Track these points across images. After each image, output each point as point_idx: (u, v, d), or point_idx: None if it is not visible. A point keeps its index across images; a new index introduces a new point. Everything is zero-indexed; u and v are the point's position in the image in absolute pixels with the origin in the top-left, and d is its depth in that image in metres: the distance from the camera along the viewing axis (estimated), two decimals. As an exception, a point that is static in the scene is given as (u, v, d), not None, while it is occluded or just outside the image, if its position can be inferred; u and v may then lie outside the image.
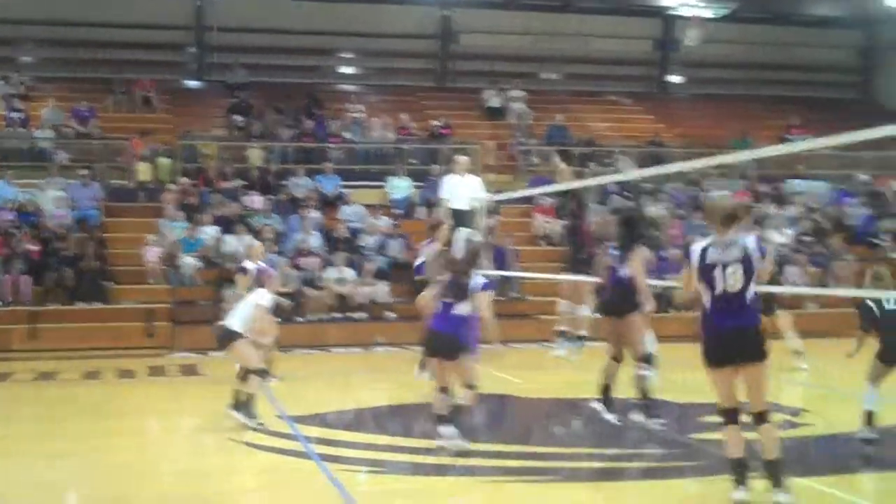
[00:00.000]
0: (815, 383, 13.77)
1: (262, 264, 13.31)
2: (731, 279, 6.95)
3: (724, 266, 6.97)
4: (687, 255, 7.20)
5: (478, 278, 9.32)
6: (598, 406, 10.56)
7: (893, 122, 7.75)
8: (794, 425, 10.48)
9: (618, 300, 10.38)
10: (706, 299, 7.06)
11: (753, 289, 7.00)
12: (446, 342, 9.05)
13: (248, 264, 13.05)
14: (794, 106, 28.54)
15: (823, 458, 9.34)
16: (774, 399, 11.76)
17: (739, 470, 7.07)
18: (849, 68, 32.24)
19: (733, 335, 7.01)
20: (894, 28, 30.19)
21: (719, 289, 6.97)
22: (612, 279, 10.41)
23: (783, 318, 14.55)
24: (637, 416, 10.23)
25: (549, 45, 29.27)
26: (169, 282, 18.51)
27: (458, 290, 9.10)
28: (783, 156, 23.99)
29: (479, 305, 9.27)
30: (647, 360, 10.40)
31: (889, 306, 9.16)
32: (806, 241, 21.85)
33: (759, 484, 7.09)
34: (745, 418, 7.14)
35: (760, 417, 7.09)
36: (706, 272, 7.02)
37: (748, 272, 6.97)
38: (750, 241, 7.11)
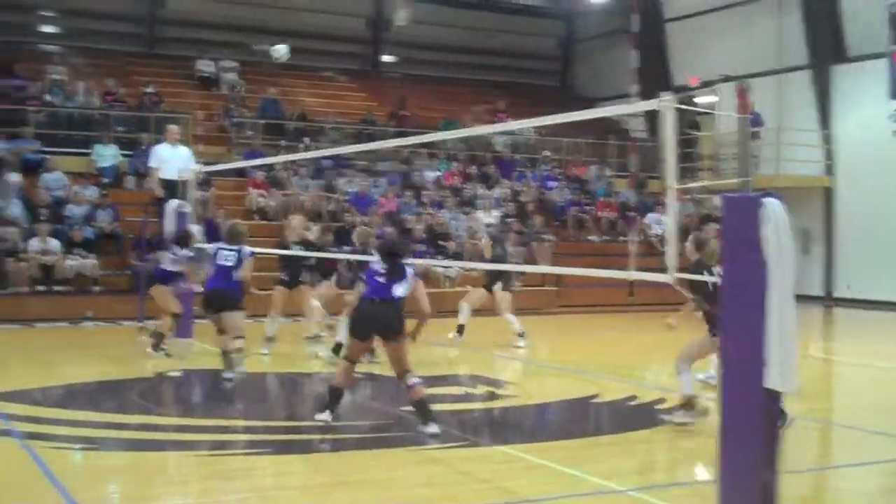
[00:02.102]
0: (518, 357, 14.51)
1: None
2: None
3: None
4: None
5: None
6: None
7: (589, 108, 8.32)
8: (498, 396, 11.06)
9: None
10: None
11: None
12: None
13: None
14: (500, 91, 29.76)
15: (526, 427, 9.94)
16: (482, 372, 12.48)
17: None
18: (550, 57, 33.94)
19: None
20: (590, 21, 32.09)
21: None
22: None
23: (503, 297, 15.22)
24: None
25: (262, 15, 29.00)
26: None
27: None
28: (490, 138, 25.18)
29: None
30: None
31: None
32: (509, 221, 22.90)
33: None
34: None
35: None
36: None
37: None
38: None
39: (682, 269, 6.80)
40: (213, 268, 11.74)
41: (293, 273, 14.29)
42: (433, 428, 8.54)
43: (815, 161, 25.21)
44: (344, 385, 8.99)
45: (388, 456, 8.15)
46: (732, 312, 6.13)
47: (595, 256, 22.00)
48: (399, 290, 8.72)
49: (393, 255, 8.91)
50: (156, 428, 8.99)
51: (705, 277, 9.02)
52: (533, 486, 7.31)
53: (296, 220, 14.90)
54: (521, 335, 14.96)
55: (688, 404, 9.32)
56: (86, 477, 7.55)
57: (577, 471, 7.63)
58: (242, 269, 11.48)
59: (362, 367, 12.55)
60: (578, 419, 10.38)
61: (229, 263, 11.51)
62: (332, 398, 8.90)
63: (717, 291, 9.12)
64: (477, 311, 15.27)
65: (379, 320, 8.72)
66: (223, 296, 11.44)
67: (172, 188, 16.16)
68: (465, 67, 31.86)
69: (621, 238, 23.89)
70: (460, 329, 15.15)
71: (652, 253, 22.08)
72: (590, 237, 24.15)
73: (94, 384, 11.68)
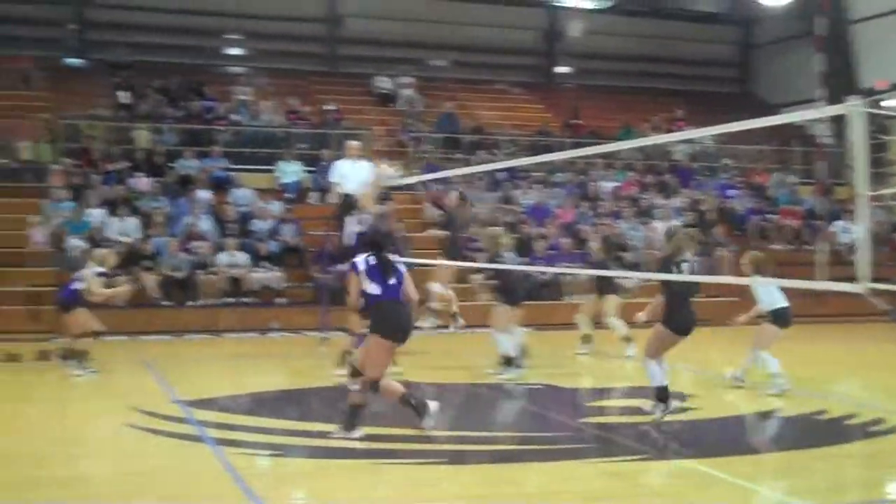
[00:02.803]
0: (702, 369, 14.19)
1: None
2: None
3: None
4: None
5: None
6: None
7: (771, 116, 8.11)
8: (680, 409, 10.81)
9: None
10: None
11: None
12: None
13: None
14: (676, 99, 29.26)
15: (709, 441, 9.70)
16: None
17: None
18: (728, 63, 33.17)
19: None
20: (771, 25, 31.20)
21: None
22: None
23: (610, 302, 14.93)
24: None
25: (438, 32, 29.42)
26: (55, 264, 18.05)
27: None
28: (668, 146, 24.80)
29: None
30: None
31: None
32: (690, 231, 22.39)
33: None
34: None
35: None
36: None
37: None
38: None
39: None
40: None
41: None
42: (339, 433, 8.80)
43: None
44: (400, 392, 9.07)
45: (566, 468, 8.08)
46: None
47: (779, 266, 21.30)
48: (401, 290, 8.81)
49: (376, 246, 8.91)
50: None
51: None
52: (714, 501, 7.11)
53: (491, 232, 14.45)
54: (627, 339, 14.52)
55: (660, 397, 9.65)
56: (274, 483, 7.78)
57: (762, 487, 7.42)
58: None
59: (540, 378, 12.54)
60: (763, 433, 10.06)
61: None
62: (420, 406, 8.97)
63: (683, 287, 9.51)
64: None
65: (408, 323, 8.83)
66: None
67: (352, 202, 16.49)
68: (641, 76, 31.47)
69: (806, 247, 23.10)
70: (586, 338, 15.06)
71: (839, 262, 21.27)
72: (773, 246, 23.42)
73: (280, 392, 12.04)
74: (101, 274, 13.11)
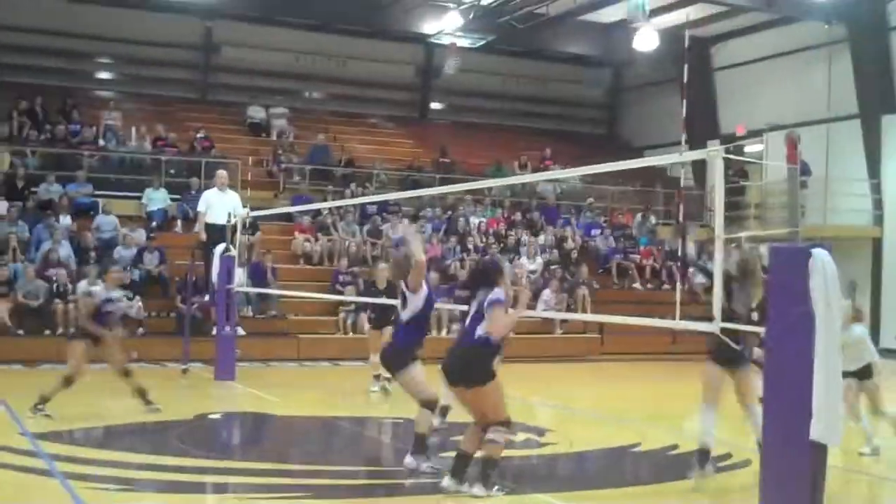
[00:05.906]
0: (560, 404, 14.39)
1: None
2: None
3: None
4: None
5: None
6: None
7: (635, 157, 8.35)
8: (538, 444, 10.97)
9: None
10: None
11: None
12: None
13: None
14: (547, 138, 29.78)
15: (563, 475, 9.84)
16: (523, 419, 12.35)
17: None
18: (598, 105, 33.94)
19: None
20: (638, 70, 32.01)
21: None
22: None
23: None
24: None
25: (312, 63, 29.37)
26: None
27: None
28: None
29: None
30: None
31: None
32: (553, 268, 22.80)
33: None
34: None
35: None
36: None
37: None
38: None
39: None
40: None
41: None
42: None
43: (864, 211, 24.91)
44: None
45: (420, 503, 8.10)
46: (779, 363, 6.06)
47: (638, 304, 21.84)
48: None
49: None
50: (193, 470, 9.00)
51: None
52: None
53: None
54: None
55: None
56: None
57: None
58: None
59: (402, 412, 12.53)
60: (619, 468, 10.26)
61: None
62: None
63: None
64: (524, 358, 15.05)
65: None
66: None
67: (220, 232, 16.32)
68: (512, 115, 31.97)
69: (665, 287, 23.72)
70: None
71: (696, 301, 21.86)
72: (634, 285, 24.00)
73: (135, 425, 11.74)
74: None
